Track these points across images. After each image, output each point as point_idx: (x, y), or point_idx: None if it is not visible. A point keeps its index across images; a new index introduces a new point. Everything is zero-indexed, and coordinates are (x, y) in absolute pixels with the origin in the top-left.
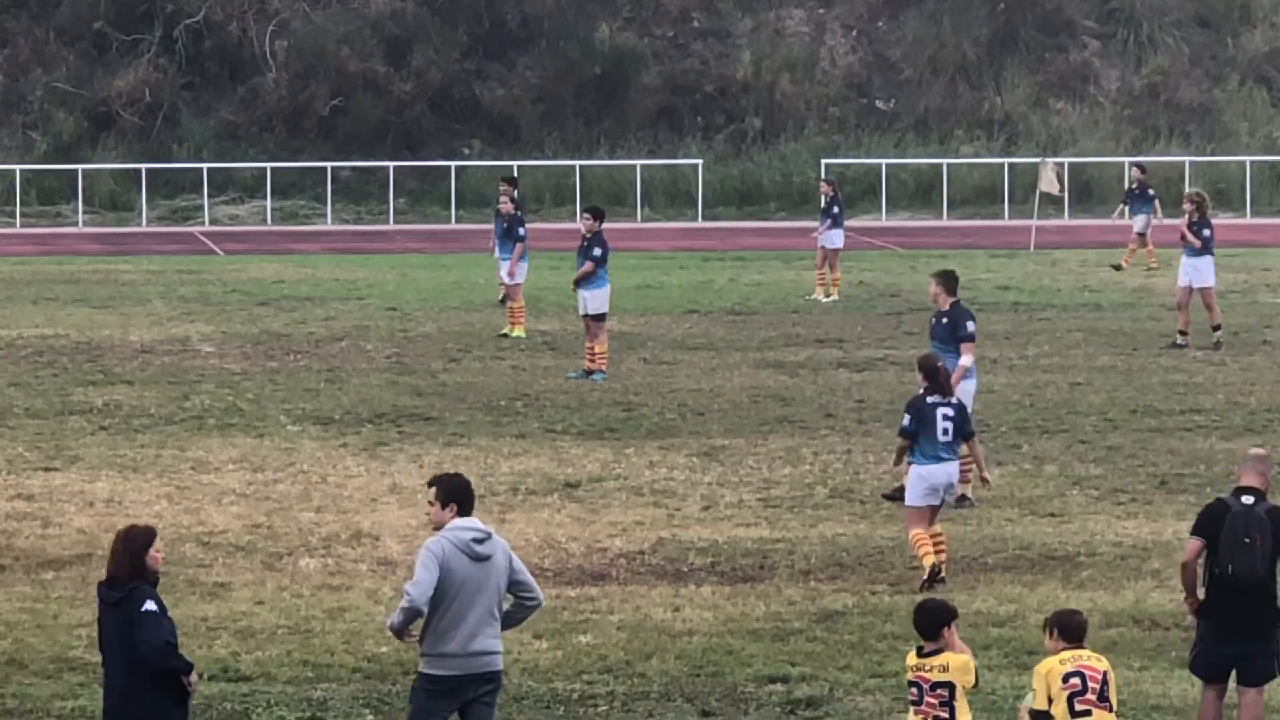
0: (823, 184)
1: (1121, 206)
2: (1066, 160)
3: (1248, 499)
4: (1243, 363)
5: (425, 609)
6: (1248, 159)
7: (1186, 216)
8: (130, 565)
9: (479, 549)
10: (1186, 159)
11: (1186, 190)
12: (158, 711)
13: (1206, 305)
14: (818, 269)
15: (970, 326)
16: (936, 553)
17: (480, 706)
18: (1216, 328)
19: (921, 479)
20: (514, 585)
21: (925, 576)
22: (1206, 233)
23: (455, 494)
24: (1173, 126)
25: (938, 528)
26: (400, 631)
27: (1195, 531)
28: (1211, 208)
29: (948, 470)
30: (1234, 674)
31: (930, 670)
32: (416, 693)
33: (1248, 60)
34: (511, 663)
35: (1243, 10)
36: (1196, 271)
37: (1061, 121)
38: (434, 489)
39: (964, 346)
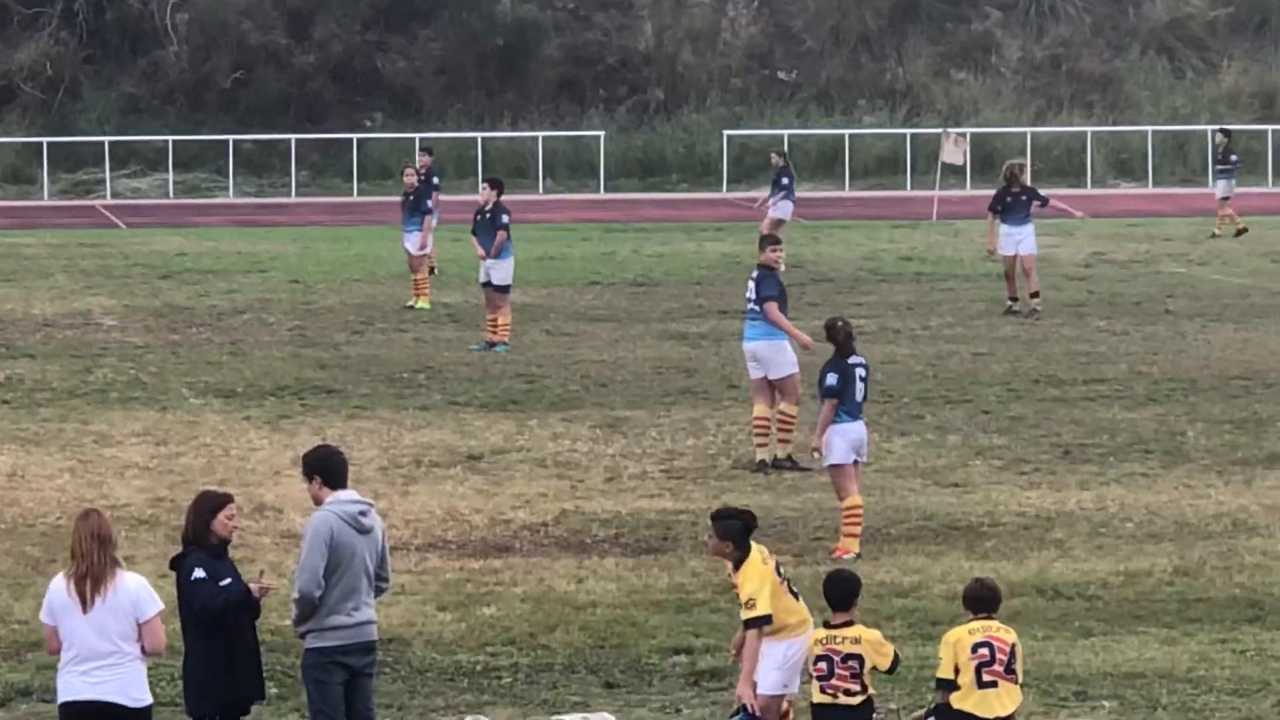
0: (773, 155)
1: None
2: (969, 131)
3: None
4: (1145, 332)
5: (318, 596)
6: (1150, 129)
7: (1007, 185)
8: (192, 529)
9: (364, 521)
10: (1089, 129)
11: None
12: (228, 654)
13: (1025, 272)
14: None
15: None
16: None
17: (363, 679)
18: (1034, 295)
19: (844, 436)
20: (380, 562)
21: (853, 554)
22: (1037, 202)
23: (315, 466)
24: (1075, 97)
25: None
26: (303, 626)
27: None
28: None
29: (863, 427)
30: None
31: (841, 642)
32: (309, 670)
33: (1149, 30)
34: (415, 635)
35: None
36: (1020, 241)
37: (964, 92)
38: (301, 465)
39: (768, 308)
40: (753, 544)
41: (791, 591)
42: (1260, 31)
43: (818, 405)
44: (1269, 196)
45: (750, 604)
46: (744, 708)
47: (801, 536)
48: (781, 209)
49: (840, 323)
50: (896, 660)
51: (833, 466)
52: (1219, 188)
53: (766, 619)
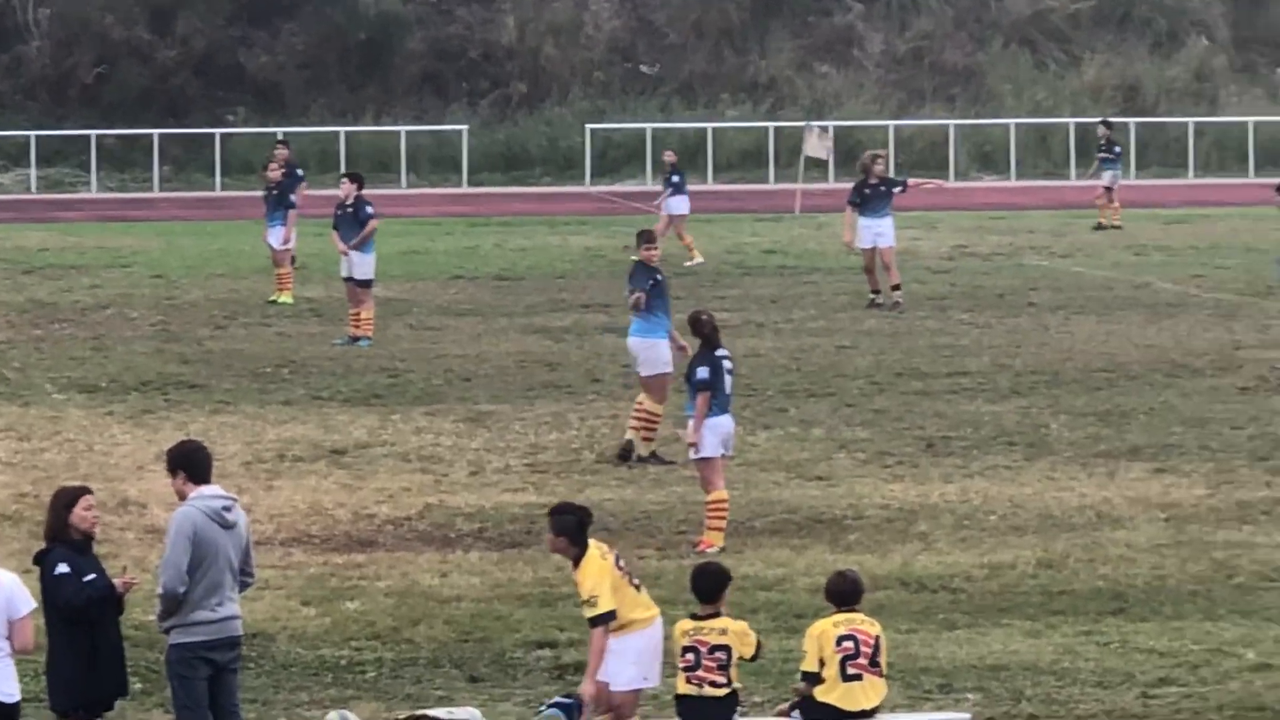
0: (667, 153)
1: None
2: (831, 124)
3: None
4: (1008, 325)
5: (181, 592)
6: (1012, 122)
7: (865, 178)
8: (52, 526)
9: (228, 516)
10: (951, 122)
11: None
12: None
13: (885, 265)
14: (674, 237)
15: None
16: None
17: (228, 675)
18: (896, 288)
19: (714, 430)
20: (244, 557)
21: (717, 548)
22: (896, 191)
23: (179, 461)
24: (937, 90)
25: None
26: (168, 621)
27: None
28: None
29: (732, 421)
30: None
31: (709, 634)
32: (173, 665)
33: (1011, 23)
34: (279, 630)
35: None
36: (879, 234)
37: (826, 85)
38: (165, 460)
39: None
40: (590, 540)
41: (634, 585)
42: (1122, 24)
43: (686, 400)
44: (1131, 189)
45: (591, 601)
46: (560, 701)
47: (665, 530)
48: (675, 204)
49: (705, 316)
50: (759, 647)
51: (701, 460)
52: (1104, 178)
53: (610, 615)
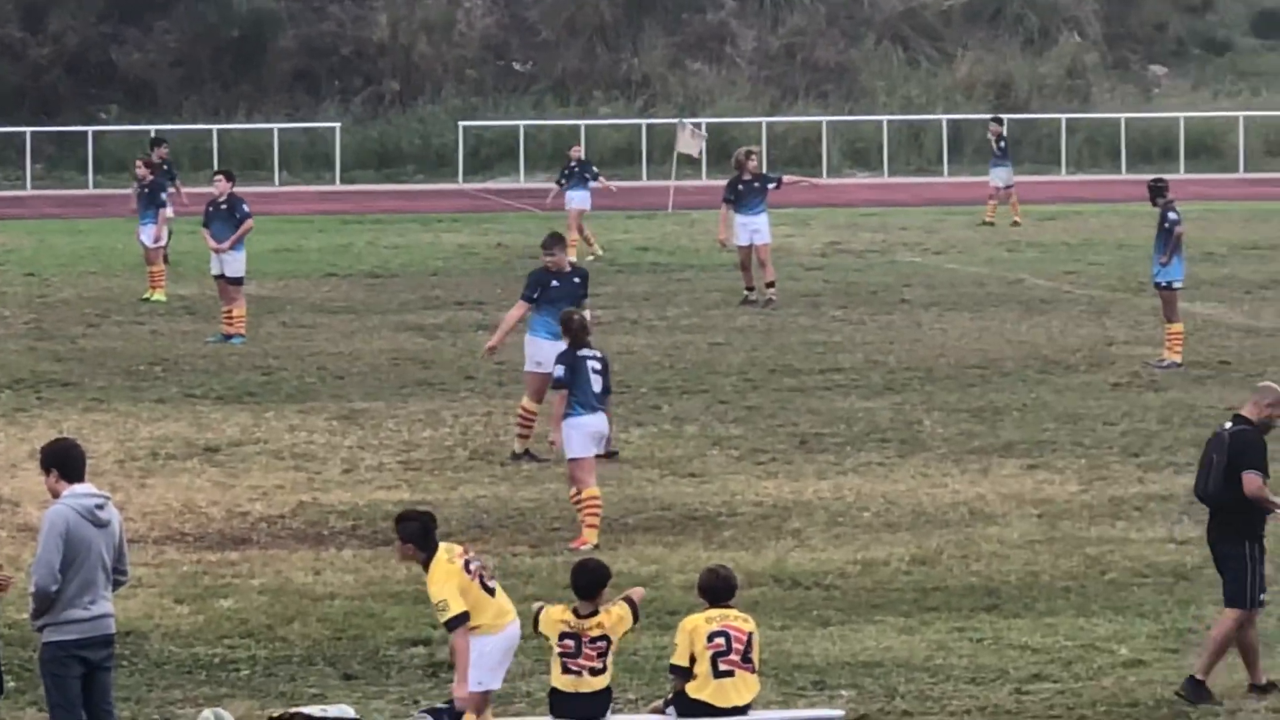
0: (573, 148)
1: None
2: (704, 121)
3: (1229, 424)
4: (881, 322)
5: (54, 591)
6: (884, 118)
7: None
8: None
9: (100, 515)
10: (824, 119)
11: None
12: None
13: (761, 262)
14: (573, 232)
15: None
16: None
17: (101, 673)
18: (770, 285)
19: (580, 429)
20: (118, 555)
21: (590, 545)
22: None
23: (52, 459)
24: (810, 86)
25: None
26: (40, 620)
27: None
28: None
29: (603, 419)
30: None
31: (591, 628)
32: (46, 664)
33: (884, 20)
34: (153, 628)
35: None
36: (755, 231)
37: (699, 82)
38: (38, 458)
39: (585, 303)
40: (441, 544)
41: (486, 588)
42: (994, 21)
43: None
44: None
45: (441, 606)
46: (435, 708)
47: (539, 527)
48: (578, 199)
49: (576, 316)
50: (636, 616)
51: (571, 459)
52: (998, 176)
53: (463, 617)
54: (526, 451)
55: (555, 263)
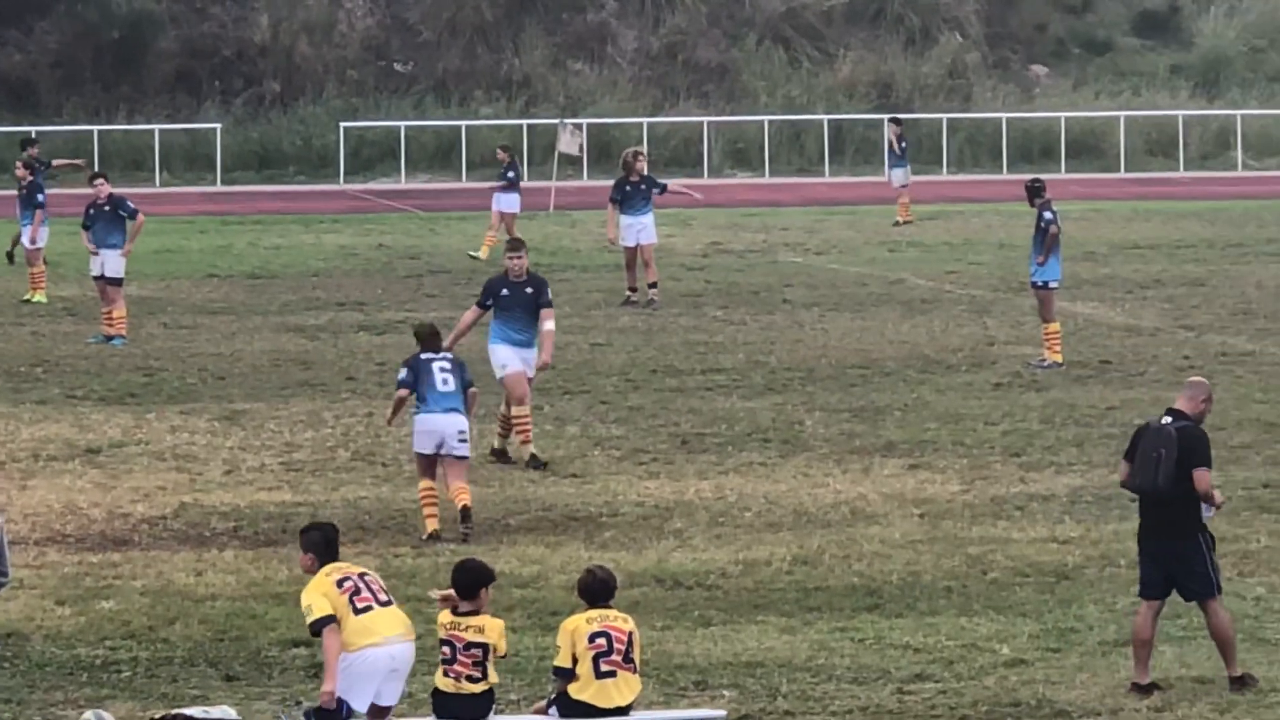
0: (500, 150)
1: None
2: (586, 121)
3: (1167, 419)
4: (763, 322)
5: None
6: (766, 119)
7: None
8: None
9: None
10: (705, 119)
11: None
12: None
13: (645, 262)
14: (491, 229)
15: (550, 293)
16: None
17: None
18: (653, 285)
19: (419, 426)
20: None
21: (425, 536)
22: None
23: None
24: (691, 87)
25: (463, 484)
26: None
27: (1125, 455)
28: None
29: (451, 420)
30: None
31: (466, 630)
32: None
33: (765, 20)
34: (34, 629)
35: None
36: (640, 230)
37: (580, 83)
38: None
39: (546, 312)
40: (334, 562)
41: (356, 608)
42: (876, 21)
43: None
44: (883, 186)
45: (306, 610)
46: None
47: (421, 528)
48: (509, 201)
49: (426, 325)
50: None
51: (416, 454)
52: (896, 176)
53: (326, 619)
54: (505, 451)
55: (512, 268)
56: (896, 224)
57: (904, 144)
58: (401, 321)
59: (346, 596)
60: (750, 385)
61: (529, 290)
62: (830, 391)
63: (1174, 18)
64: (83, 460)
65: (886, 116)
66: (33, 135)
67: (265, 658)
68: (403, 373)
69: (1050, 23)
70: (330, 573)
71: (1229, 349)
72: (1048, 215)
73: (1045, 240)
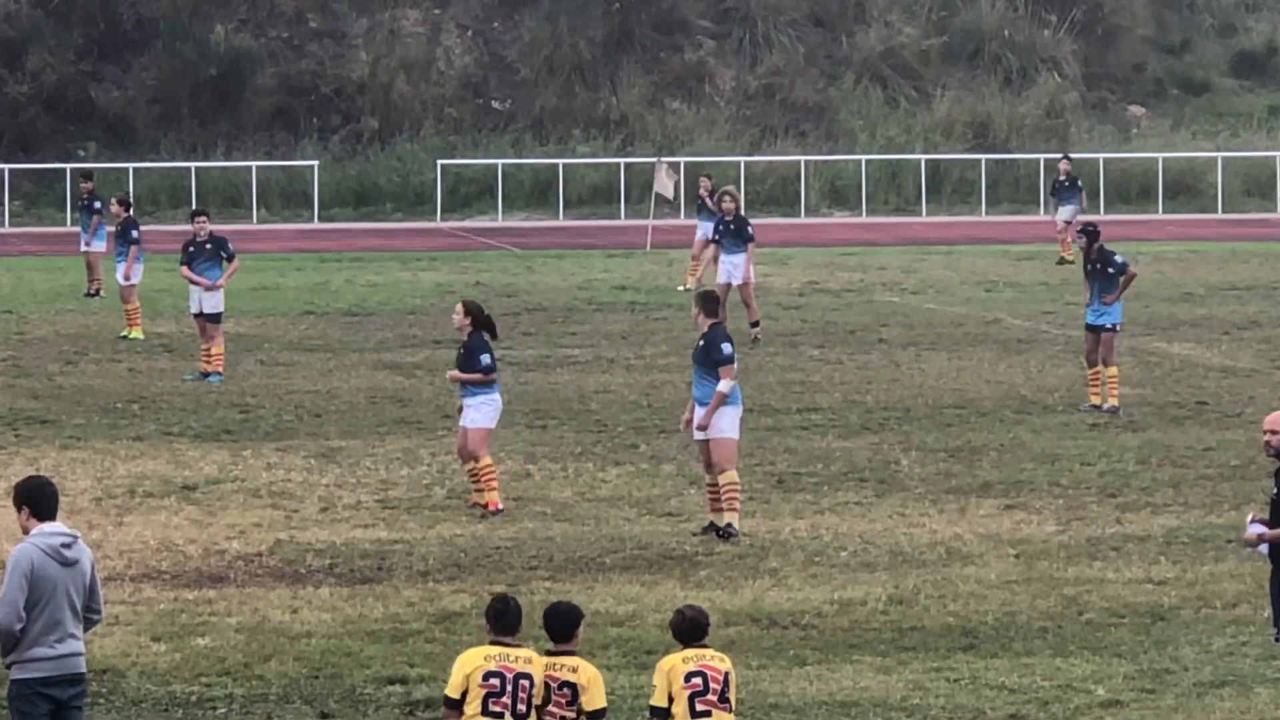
0: (702, 179)
1: (1055, 201)
2: (683, 160)
3: None
4: (859, 361)
5: (19, 630)
6: (864, 158)
7: (723, 214)
8: None
9: (67, 554)
10: (802, 158)
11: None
12: None
13: (745, 302)
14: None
15: (727, 349)
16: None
17: (71, 711)
18: (755, 324)
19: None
20: (89, 594)
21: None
22: (749, 230)
23: (24, 497)
24: (789, 126)
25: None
26: (8, 657)
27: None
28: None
29: None
30: None
31: (560, 670)
32: (13, 701)
33: (862, 59)
34: (129, 665)
35: (857, 9)
36: (735, 268)
37: (677, 121)
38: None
39: (722, 370)
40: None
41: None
42: (973, 61)
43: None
44: (981, 225)
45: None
46: None
47: (516, 566)
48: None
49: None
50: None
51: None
52: (1063, 213)
53: (452, 704)
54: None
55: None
56: (1061, 262)
57: (1069, 180)
58: (499, 359)
59: (483, 693)
60: (846, 425)
61: (701, 344)
62: (926, 431)
63: (1273, 58)
64: (179, 497)
65: (1060, 155)
66: (89, 171)
67: (360, 695)
68: (487, 358)
69: (1148, 63)
70: (490, 657)
71: None
72: (1120, 259)
73: (1122, 282)
